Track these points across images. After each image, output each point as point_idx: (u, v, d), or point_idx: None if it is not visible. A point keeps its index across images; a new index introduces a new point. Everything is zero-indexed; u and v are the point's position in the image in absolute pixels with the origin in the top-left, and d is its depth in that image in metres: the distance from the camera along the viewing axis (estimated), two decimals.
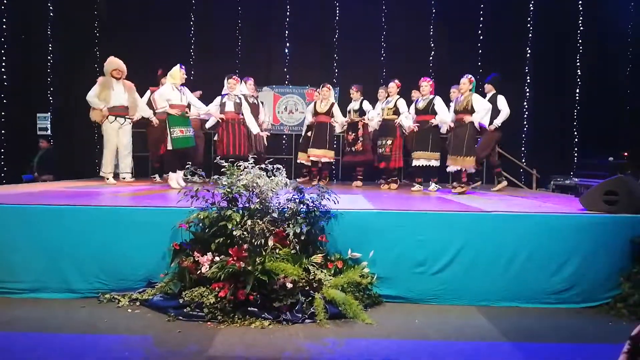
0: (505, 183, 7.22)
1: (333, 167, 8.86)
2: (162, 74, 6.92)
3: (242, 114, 6.73)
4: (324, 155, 7.31)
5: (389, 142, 6.94)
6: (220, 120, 6.58)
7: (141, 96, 6.99)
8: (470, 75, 6.23)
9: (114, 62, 6.59)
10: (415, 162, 6.67)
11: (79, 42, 8.98)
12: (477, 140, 6.58)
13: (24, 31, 9.05)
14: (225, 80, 6.79)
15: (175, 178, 6.35)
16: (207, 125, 7.22)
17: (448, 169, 6.41)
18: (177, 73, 6.22)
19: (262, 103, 7.87)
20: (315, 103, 7.57)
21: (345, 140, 7.56)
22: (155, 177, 7.60)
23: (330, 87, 7.50)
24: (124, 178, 6.78)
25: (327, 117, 7.35)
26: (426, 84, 6.56)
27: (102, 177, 6.77)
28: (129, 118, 6.65)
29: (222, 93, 6.77)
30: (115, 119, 6.52)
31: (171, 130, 6.17)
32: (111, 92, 6.45)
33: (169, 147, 6.23)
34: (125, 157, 6.76)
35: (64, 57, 9.09)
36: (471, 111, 6.05)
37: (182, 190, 3.83)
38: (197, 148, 7.04)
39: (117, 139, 6.60)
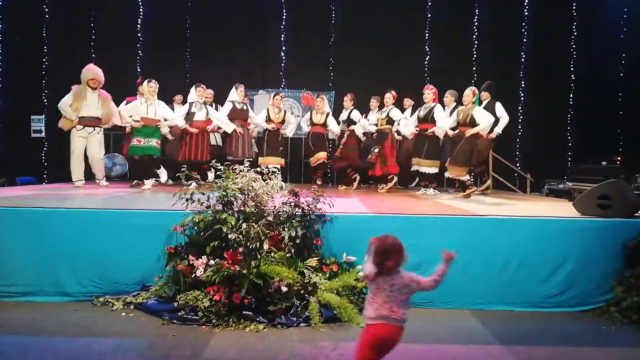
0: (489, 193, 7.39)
1: (328, 171, 8.88)
2: (141, 83, 6.99)
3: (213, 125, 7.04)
4: (323, 158, 7.55)
5: (376, 150, 7.05)
6: (187, 129, 6.81)
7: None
8: (474, 88, 6.24)
9: (91, 71, 6.54)
10: (415, 168, 6.77)
11: (74, 44, 8.96)
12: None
13: (19, 33, 9.03)
14: (194, 89, 6.98)
15: (149, 184, 6.58)
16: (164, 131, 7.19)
17: (446, 175, 6.43)
18: (145, 88, 6.46)
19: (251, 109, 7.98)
20: (311, 113, 7.77)
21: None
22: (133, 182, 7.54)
23: (324, 97, 7.74)
24: (99, 183, 6.77)
25: (323, 129, 7.58)
26: (429, 92, 6.64)
27: (96, 182, 6.81)
28: (99, 127, 6.64)
29: (190, 101, 6.99)
30: (84, 128, 6.49)
31: (131, 139, 6.54)
32: (84, 103, 6.42)
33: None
34: (98, 164, 6.78)
35: (59, 60, 9.06)
36: (471, 124, 6.05)
37: (176, 193, 3.83)
38: (174, 153, 7.26)
39: (87, 149, 6.58)
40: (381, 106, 7.39)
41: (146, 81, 6.52)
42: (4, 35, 8.95)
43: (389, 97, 7.11)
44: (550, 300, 3.93)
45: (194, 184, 5.81)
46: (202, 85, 7.00)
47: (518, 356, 2.95)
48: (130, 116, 6.56)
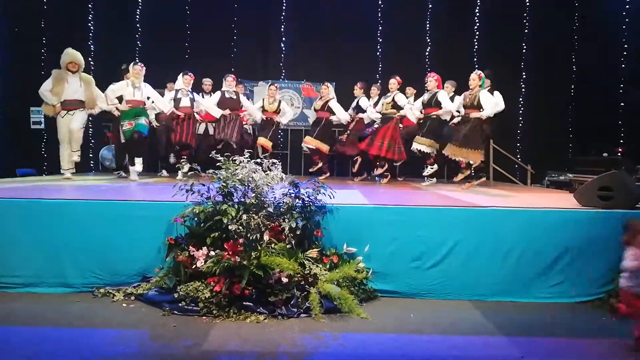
0: (484, 179, 7.36)
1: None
2: (126, 69, 6.97)
3: (198, 108, 7.29)
4: (310, 142, 7.69)
5: (375, 125, 7.21)
6: (175, 115, 7.00)
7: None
8: (479, 72, 6.26)
9: (69, 55, 6.47)
10: (415, 146, 6.76)
11: (72, 36, 8.89)
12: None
13: (18, 24, 8.97)
14: (181, 76, 7.14)
15: (134, 170, 6.60)
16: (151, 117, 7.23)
17: (449, 156, 6.40)
18: (131, 70, 6.50)
19: (247, 97, 8.16)
20: (315, 102, 8.01)
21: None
22: (120, 173, 7.53)
23: (329, 85, 7.80)
24: (62, 173, 6.56)
25: (323, 113, 7.65)
26: (431, 79, 6.73)
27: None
28: (85, 110, 6.57)
29: (176, 88, 7.16)
30: (67, 112, 6.40)
31: (121, 124, 6.49)
32: (65, 86, 6.35)
33: (122, 140, 6.62)
34: (75, 135, 6.51)
35: (57, 51, 8.99)
36: (478, 107, 6.07)
37: (178, 184, 3.81)
38: (160, 139, 7.39)
39: (69, 125, 6.44)
40: (382, 93, 7.47)
41: (132, 63, 6.54)
42: (2, 27, 8.89)
43: (394, 82, 7.17)
44: (551, 291, 3.93)
45: (184, 169, 5.75)
46: (189, 73, 7.19)
47: (518, 347, 2.95)
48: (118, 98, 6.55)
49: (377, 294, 3.87)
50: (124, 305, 3.55)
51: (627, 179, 4.32)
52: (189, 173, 5.79)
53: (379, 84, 7.89)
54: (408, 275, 3.94)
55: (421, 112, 6.86)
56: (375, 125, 7.20)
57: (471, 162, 6.17)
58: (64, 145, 6.50)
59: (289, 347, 2.86)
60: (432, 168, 6.83)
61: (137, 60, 6.75)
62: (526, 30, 9.66)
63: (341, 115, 7.59)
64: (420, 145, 6.68)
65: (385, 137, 6.96)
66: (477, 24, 9.67)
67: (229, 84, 7.35)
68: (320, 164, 7.76)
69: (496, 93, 6.78)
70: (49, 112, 6.45)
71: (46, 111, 6.48)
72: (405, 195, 5.56)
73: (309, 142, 7.70)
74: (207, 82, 7.67)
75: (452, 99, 6.71)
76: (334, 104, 7.61)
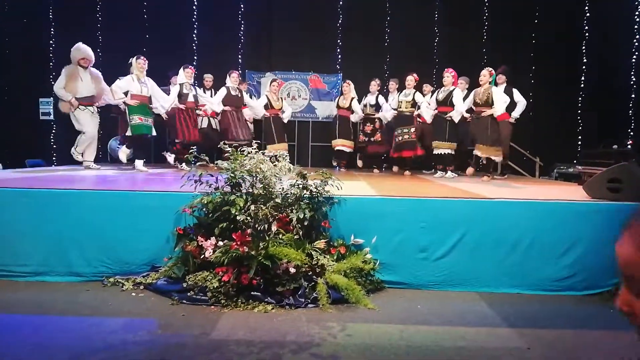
0: (506, 177, 7.35)
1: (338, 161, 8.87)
2: None
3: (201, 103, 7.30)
4: (347, 145, 7.89)
5: (412, 129, 7.17)
6: (177, 110, 6.94)
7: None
8: (490, 68, 6.25)
9: (81, 51, 6.47)
10: (435, 151, 6.88)
11: (81, 27, 8.92)
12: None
13: (26, 15, 9.00)
14: (182, 70, 7.09)
15: (140, 163, 6.60)
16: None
17: (479, 157, 6.46)
18: (135, 64, 6.39)
19: (252, 95, 8.18)
20: (338, 99, 8.14)
21: (362, 131, 7.96)
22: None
23: (350, 82, 7.93)
24: (88, 167, 6.72)
25: (348, 112, 7.86)
26: (448, 75, 6.71)
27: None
28: (95, 106, 6.66)
29: (180, 82, 7.07)
30: (86, 108, 6.49)
31: (130, 117, 6.35)
32: (79, 83, 6.38)
33: (129, 133, 6.52)
34: (94, 144, 6.78)
35: (66, 42, 9.02)
36: (491, 104, 6.07)
37: (184, 175, 3.83)
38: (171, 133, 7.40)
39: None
40: (400, 88, 7.51)
41: (135, 57, 6.46)
42: (11, 18, 8.92)
43: (411, 79, 7.25)
44: (559, 284, 3.92)
45: (184, 165, 5.83)
46: (190, 67, 7.20)
47: (525, 339, 2.95)
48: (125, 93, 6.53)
49: (384, 285, 3.88)
50: (133, 294, 3.59)
51: (636, 171, 4.28)
52: (197, 164, 5.82)
53: (395, 78, 7.92)
54: (415, 267, 3.95)
55: (435, 110, 6.86)
56: (412, 129, 7.22)
57: (495, 159, 6.24)
58: (92, 138, 6.58)
59: (297, 337, 2.88)
60: (452, 173, 6.87)
61: (142, 53, 6.72)
62: (536, 21, 9.54)
63: (361, 114, 7.82)
64: (443, 149, 6.77)
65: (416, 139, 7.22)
66: (487, 15, 9.57)
67: (234, 80, 7.37)
68: (344, 161, 8.05)
69: (515, 91, 6.78)
70: (66, 109, 6.45)
71: (63, 109, 6.48)
72: (413, 186, 5.55)
73: (347, 145, 7.85)
74: (208, 78, 7.69)
75: (466, 97, 6.70)
76: (356, 104, 7.77)
